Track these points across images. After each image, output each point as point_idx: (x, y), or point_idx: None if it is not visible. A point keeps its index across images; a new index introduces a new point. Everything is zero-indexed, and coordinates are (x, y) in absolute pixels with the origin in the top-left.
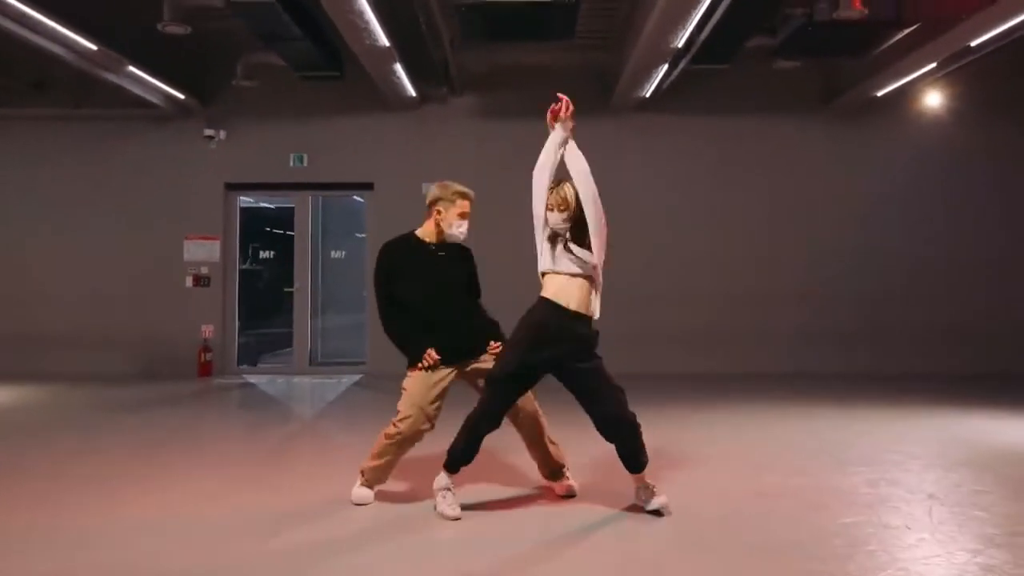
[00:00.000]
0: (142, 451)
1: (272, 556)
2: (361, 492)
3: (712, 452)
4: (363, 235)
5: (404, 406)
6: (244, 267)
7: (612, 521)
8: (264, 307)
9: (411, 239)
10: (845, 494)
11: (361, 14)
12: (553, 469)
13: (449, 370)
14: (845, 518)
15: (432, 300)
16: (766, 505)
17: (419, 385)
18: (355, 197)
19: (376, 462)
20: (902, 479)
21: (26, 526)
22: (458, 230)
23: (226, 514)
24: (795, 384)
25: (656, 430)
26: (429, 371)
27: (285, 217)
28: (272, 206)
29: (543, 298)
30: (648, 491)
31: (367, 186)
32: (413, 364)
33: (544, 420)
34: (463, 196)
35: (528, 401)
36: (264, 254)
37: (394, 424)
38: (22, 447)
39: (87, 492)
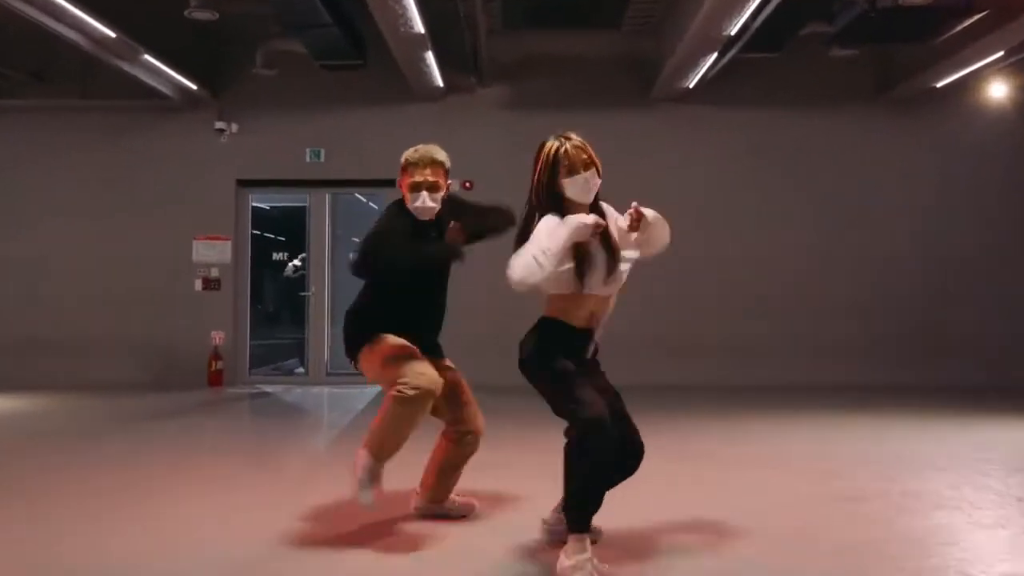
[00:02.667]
0: (179, 462)
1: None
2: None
3: (782, 460)
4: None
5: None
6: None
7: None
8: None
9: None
10: (929, 497)
11: None
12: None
13: None
14: (935, 519)
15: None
16: (849, 508)
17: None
18: (357, 195)
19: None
20: (986, 483)
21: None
22: (413, 205)
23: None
24: (856, 396)
25: (717, 438)
26: None
27: (284, 218)
28: (266, 206)
29: None
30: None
31: (388, 183)
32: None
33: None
34: (408, 164)
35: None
36: (277, 255)
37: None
38: (42, 458)
39: (129, 500)
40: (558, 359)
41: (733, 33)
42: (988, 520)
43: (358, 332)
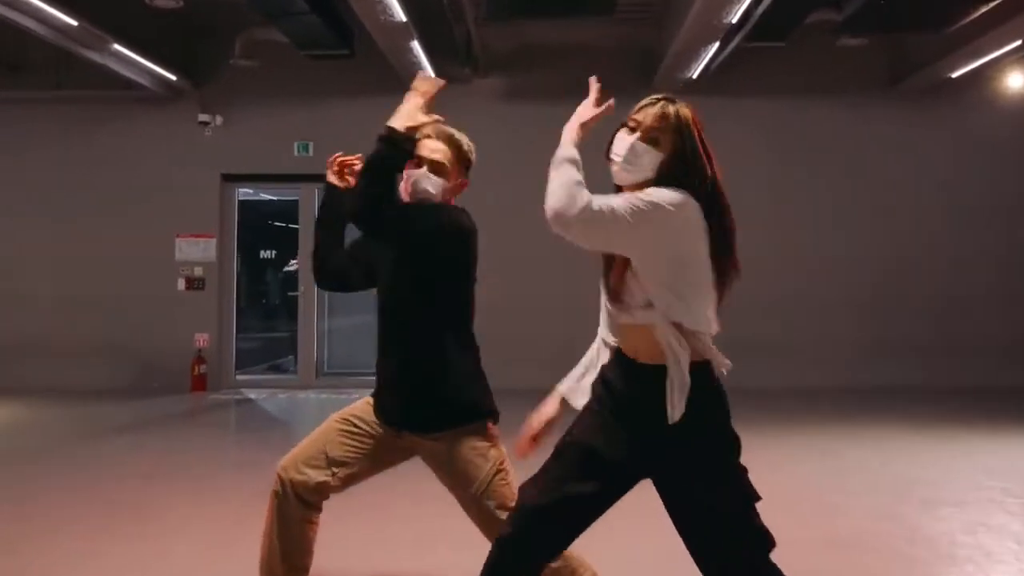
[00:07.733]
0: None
1: None
2: None
3: (769, 485)
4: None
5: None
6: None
7: None
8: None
9: None
10: (937, 544)
11: None
12: None
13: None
14: None
15: (381, 312)
16: (840, 558)
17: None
18: None
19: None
20: (1006, 524)
21: None
22: (407, 184)
23: None
24: (862, 401)
25: None
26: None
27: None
28: (275, 198)
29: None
30: None
31: None
32: None
33: None
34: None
35: None
36: (264, 254)
37: None
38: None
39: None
40: None
41: (734, 21)
42: None
43: None
